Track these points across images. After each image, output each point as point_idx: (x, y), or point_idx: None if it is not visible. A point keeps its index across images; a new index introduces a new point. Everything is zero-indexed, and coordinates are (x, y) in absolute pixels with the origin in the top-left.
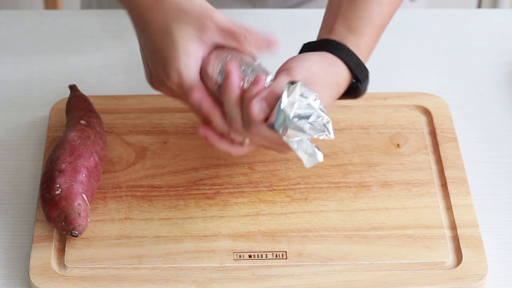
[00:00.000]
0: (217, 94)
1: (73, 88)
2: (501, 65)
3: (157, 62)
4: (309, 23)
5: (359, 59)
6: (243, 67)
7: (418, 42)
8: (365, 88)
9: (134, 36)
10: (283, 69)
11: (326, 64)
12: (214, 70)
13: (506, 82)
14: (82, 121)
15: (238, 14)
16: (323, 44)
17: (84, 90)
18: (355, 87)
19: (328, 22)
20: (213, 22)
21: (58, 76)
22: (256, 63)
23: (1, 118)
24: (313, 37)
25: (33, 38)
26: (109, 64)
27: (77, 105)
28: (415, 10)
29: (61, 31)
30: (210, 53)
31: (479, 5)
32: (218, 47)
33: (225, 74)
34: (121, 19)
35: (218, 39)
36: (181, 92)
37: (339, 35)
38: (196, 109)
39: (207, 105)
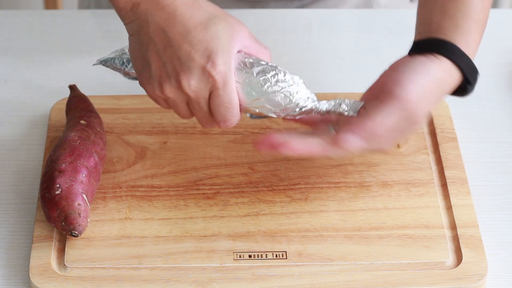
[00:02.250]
0: None
1: (73, 88)
2: (501, 65)
3: (196, 52)
4: (310, 23)
5: (471, 61)
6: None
7: None
8: (473, 88)
9: None
10: (382, 83)
11: (429, 68)
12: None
13: (506, 82)
14: (82, 121)
15: (239, 14)
16: (435, 45)
17: (84, 90)
18: (463, 87)
19: (431, 18)
20: (245, 27)
21: (58, 76)
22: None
23: (1, 118)
24: (315, 37)
25: (33, 38)
26: None
27: (77, 105)
28: (415, 10)
29: (61, 31)
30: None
31: None
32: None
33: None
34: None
35: (247, 42)
36: (221, 84)
37: (448, 34)
38: (225, 111)
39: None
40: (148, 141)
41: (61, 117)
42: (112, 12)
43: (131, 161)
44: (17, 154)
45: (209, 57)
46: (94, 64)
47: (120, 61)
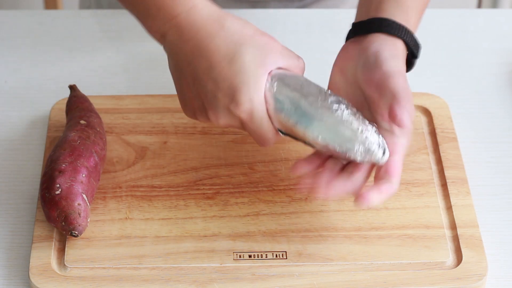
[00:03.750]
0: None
1: (73, 88)
2: (501, 65)
3: (220, 91)
4: (311, 24)
5: (413, 36)
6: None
7: None
8: (416, 61)
9: (134, 37)
10: (376, 78)
11: (395, 49)
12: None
13: (506, 82)
14: (82, 121)
15: (240, 14)
16: (379, 25)
17: (84, 90)
18: (409, 61)
19: (370, 0)
20: (275, 46)
21: (58, 76)
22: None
23: (1, 118)
24: (316, 38)
25: (33, 38)
26: (109, 64)
27: (77, 105)
28: None
29: (61, 31)
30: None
31: (479, 5)
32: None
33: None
34: (121, 19)
35: (279, 62)
36: (248, 120)
37: (389, 12)
38: (258, 138)
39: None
40: (148, 141)
41: (61, 117)
42: (113, 12)
43: (131, 161)
44: (17, 154)
45: (233, 96)
46: None
47: None
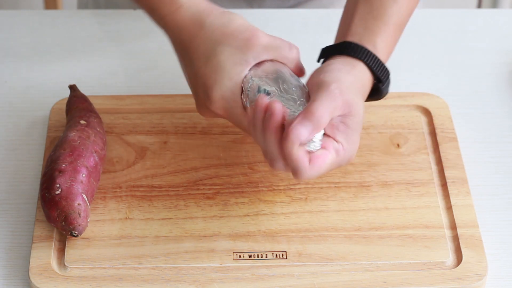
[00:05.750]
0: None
1: (73, 88)
2: (501, 65)
3: (199, 87)
4: (306, 23)
5: (378, 59)
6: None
7: (418, 42)
8: (387, 89)
9: (134, 37)
10: (314, 83)
11: (349, 69)
12: (245, 86)
13: (506, 82)
14: (82, 121)
15: None
16: (341, 48)
17: (84, 90)
18: (377, 88)
19: (345, 23)
20: (257, 41)
21: (58, 76)
22: (290, 76)
23: (1, 118)
24: (311, 37)
25: (33, 38)
26: (109, 64)
27: (77, 105)
28: (415, 10)
29: (61, 31)
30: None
31: (479, 5)
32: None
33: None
34: (121, 19)
35: (263, 56)
36: (227, 116)
37: (356, 36)
38: (244, 131)
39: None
40: (148, 141)
41: (61, 117)
42: (113, 12)
43: (131, 161)
44: (17, 154)
45: (207, 94)
46: None
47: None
